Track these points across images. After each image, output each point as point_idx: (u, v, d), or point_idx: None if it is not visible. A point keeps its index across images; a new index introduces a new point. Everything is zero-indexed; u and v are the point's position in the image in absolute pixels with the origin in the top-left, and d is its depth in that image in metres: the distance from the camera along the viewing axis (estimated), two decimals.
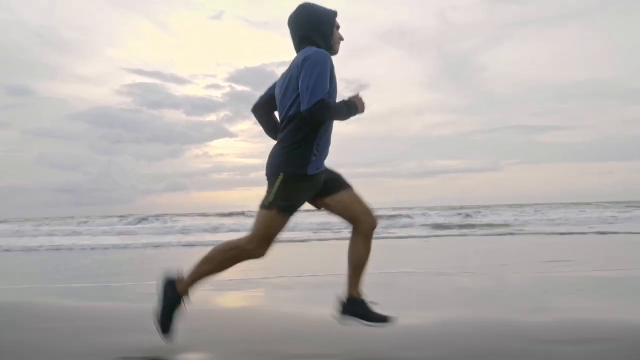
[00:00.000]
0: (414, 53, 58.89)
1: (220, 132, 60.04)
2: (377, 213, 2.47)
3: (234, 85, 55.09)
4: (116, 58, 57.31)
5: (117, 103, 54.34)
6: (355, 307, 2.42)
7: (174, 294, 2.38)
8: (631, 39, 52.67)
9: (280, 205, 2.28)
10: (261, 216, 2.33)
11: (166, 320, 2.37)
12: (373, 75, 59.35)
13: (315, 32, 2.35)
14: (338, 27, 2.44)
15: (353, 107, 2.32)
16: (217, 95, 57.21)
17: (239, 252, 2.36)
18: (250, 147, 64.55)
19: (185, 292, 2.40)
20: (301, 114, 2.22)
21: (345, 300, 2.46)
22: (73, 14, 53.83)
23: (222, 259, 2.37)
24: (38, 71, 54.32)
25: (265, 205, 2.31)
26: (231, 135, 61.95)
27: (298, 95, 2.24)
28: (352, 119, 2.36)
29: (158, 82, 56.03)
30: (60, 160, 56.40)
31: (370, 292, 2.54)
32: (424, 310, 3.58)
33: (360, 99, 2.36)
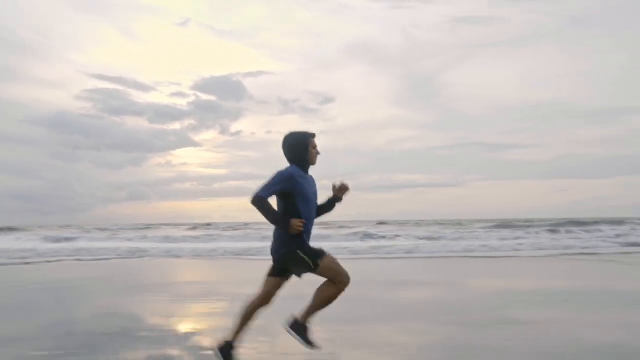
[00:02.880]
0: (380, 69, 60.14)
1: (184, 141, 59.34)
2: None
3: (199, 94, 55.41)
4: (76, 62, 54.98)
5: (76, 108, 53.27)
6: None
7: (303, 329, 3.15)
8: (584, 63, 56.49)
9: (316, 259, 3.04)
10: (321, 272, 3.06)
11: (308, 341, 3.15)
12: (339, 88, 59.96)
13: (294, 156, 3.19)
14: (314, 146, 3.23)
15: (284, 223, 3.05)
16: (181, 103, 57.91)
17: (338, 292, 3.10)
18: (214, 157, 63.20)
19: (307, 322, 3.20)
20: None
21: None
22: (34, 16, 50.82)
23: (329, 297, 3.11)
24: None
25: (315, 269, 3.05)
26: (195, 144, 61.85)
27: (281, 199, 3.09)
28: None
29: (120, 88, 55.37)
30: (15, 166, 53.60)
31: None
32: None
33: (297, 224, 3.04)
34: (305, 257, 3.05)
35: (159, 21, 58.13)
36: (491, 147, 60.73)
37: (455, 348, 3.47)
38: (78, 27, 53.69)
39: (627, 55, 52.19)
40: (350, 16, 54.89)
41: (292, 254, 3.06)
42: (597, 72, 55.00)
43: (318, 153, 3.25)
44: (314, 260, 3.03)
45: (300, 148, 3.18)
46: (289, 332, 3.14)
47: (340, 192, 3.33)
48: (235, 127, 59.25)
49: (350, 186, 3.31)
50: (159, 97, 55.90)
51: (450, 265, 10.27)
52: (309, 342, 3.13)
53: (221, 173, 67.18)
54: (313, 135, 3.24)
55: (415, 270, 9.63)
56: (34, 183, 56.04)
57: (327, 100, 56.45)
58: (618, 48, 52.84)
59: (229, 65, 73.45)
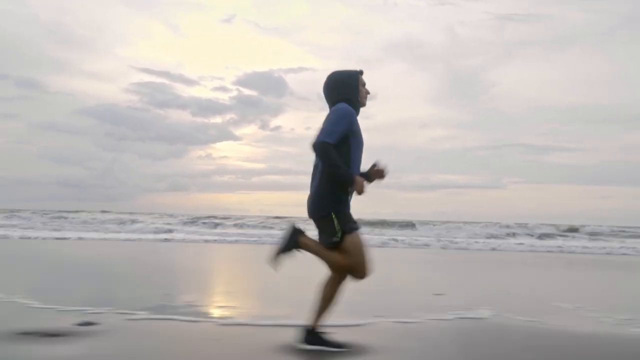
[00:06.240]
0: (421, 66, 57.89)
1: (224, 135, 60.08)
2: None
3: (241, 89, 55.43)
4: (125, 56, 55.60)
5: (124, 101, 54.17)
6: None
7: (318, 336, 2.82)
8: (634, 67, 52.57)
9: (348, 230, 2.70)
10: (344, 247, 2.69)
11: (333, 345, 2.82)
12: (379, 86, 56.26)
13: (342, 94, 2.81)
14: (364, 84, 2.87)
15: (349, 179, 2.63)
16: (224, 97, 57.68)
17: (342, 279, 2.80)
18: (253, 151, 64.27)
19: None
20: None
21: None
22: (85, 11, 52.33)
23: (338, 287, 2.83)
24: (47, 65, 52.20)
25: (340, 240, 2.69)
26: (235, 138, 61.39)
27: None
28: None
29: (166, 81, 55.53)
30: (64, 154, 55.17)
31: None
32: None
33: (362, 184, 2.68)
34: (336, 222, 2.67)
35: (205, 17, 58.54)
36: (532, 148, 58.70)
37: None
38: (128, 23, 54.99)
39: None
40: (393, 13, 54.10)
41: (327, 217, 2.68)
42: None
43: (368, 92, 2.89)
44: (344, 230, 2.67)
45: (349, 85, 2.81)
46: (308, 347, 2.79)
47: (376, 174, 2.92)
48: (275, 122, 59.93)
49: (386, 174, 2.90)
50: (202, 92, 56.17)
51: None
52: (334, 346, 2.79)
53: (260, 167, 68.05)
54: (361, 72, 2.89)
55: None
56: (80, 171, 57.79)
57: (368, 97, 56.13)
58: None
59: (272, 61, 72.25)
